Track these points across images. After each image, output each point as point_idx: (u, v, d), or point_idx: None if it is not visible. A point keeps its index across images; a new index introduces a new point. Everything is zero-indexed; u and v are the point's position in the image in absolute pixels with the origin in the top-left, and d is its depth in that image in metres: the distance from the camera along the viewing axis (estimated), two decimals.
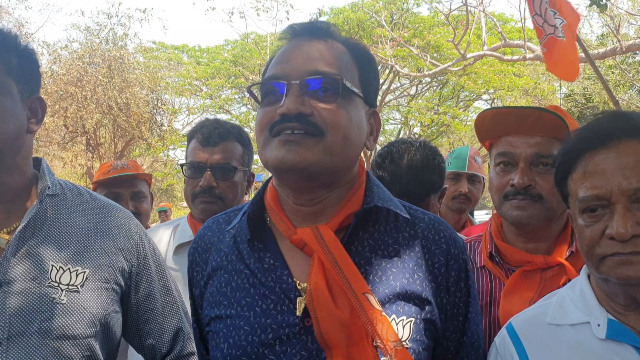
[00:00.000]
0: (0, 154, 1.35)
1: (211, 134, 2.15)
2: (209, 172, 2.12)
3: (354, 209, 1.20)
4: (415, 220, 1.26)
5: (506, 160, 1.63)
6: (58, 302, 1.32)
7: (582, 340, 1.20)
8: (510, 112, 1.63)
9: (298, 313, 1.14)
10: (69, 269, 1.37)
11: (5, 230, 1.37)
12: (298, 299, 1.15)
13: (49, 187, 1.43)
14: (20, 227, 1.35)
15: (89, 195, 1.54)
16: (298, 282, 1.17)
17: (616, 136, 1.16)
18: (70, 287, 1.35)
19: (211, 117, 2.51)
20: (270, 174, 1.26)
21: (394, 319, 1.14)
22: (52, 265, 1.35)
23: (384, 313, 1.12)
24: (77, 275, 1.37)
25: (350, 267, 1.13)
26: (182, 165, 2.24)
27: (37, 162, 1.49)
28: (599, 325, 1.19)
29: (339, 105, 1.15)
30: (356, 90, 1.20)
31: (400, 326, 1.14)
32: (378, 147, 4.46)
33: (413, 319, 1.16)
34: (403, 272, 1.19)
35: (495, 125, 1.66)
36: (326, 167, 1.14)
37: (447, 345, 1.24)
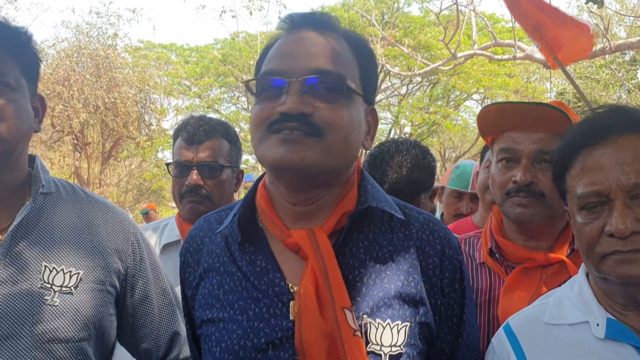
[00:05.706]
0: (12, 151, 1.35)
1: (196, 131, 2.11)
2: (195, 171, 2.08)
3: (348, 209, 1.17)
4: (410, 220, 1.23)
5: (508, 156, 1.61)
6: (50, 304, 1.29)
7: (580, 340, 1.18)
8: (514, 107, 1.61)
9: (291, 317, 1.11)
10: (62, 269, 1.33)
11: None
12: (291, 303, 1.12)
13: (43, 185, 1.40)
14: (12, 226, 1.32)
15: (84, 194, 1.50)
16: (291, 285, 1.14)
17: (615, 131, 1.15)
18: (63, 288, 1.32)
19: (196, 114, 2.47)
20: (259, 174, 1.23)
21: (388, 323, 1.12)
22: (45, 266, 1.32)
23: (357, 333, 1.08)
24: (70, 277, 1.33)
25: (337, 278, 1.10)
26: (168, 164, 2.21)
27: (32, 159, 1.46)
28: (598, 324, 1.18)
29: (340, 105, 1.12)
30: (357, 89, 1.17)
31: (395, 331, 1.12)
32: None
33: (408, 324, 1.13)
34: (397, 275, 1.16)
35: (498, 121, 1.64)
36: (325, 167, 1.11)
37: (441, 347, 1.22)
